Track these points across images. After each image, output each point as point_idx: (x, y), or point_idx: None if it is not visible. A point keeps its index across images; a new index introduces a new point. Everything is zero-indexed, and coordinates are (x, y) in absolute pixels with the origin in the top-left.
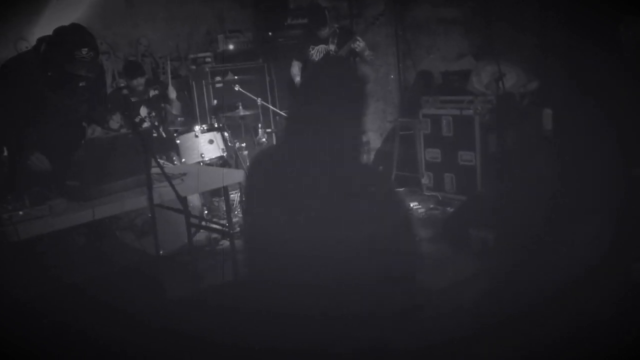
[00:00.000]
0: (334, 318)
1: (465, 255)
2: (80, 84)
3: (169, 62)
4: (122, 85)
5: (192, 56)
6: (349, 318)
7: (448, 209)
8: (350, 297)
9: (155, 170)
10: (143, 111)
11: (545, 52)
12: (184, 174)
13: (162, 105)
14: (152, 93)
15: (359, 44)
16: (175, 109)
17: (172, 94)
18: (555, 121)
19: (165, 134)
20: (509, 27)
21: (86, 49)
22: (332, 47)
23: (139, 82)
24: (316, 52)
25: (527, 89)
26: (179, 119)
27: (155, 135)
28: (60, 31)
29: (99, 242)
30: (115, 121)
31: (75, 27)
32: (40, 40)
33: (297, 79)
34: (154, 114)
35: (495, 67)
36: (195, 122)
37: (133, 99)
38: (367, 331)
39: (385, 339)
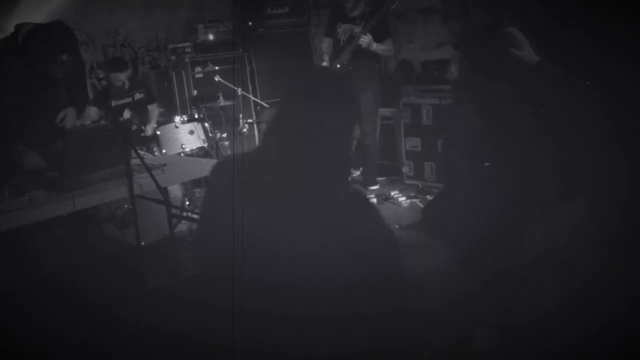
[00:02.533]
0: (314, 318)
1: (442, 242)
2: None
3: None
4: (101, 76)
5: (171, 46)
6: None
7: (428, 197)
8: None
9: (135, 161)
10: (127, 114)
11: None
12: (164, 165)
13: (148, 107)
14: (137, 96)
15: (364, 40)
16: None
17: (155, 112)
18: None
19: (145, 125)
20: (486, 15)
21: (66, 54)
22: (357, 29)
23: (119, 77)
24: (342, 31)
25: None
26: (159, 109)
27: (135, 127)
28: (41, 29)
29: (80, 233)
30: (90, 114)
31: (58, 27)
32: (18, 26)
33: (326, 57)
34: (138, 116)
35: None
36: (175, 113)
37: (116, 101)
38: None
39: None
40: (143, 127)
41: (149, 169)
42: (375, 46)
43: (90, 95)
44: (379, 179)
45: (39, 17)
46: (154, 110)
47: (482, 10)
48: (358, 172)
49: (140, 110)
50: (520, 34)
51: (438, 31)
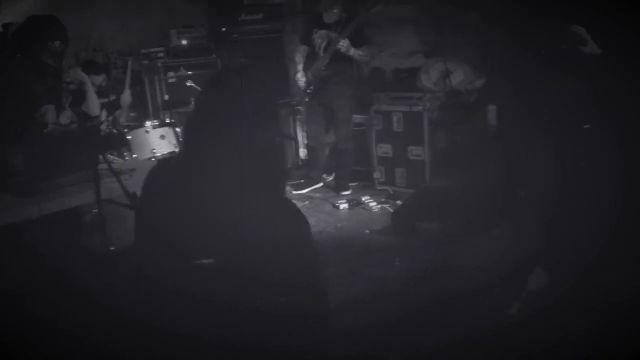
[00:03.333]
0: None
1: (411, 247)
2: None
3: (129, 67)
4: (69, 80)
5: (144, 51)
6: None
7: (398, 202)
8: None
9: (104, 165)
10: (102, 115)
11: (489, 51)
12: (133, 170)
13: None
14: (111, 97)
15: (342, 45)
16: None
17: (128, 99)
18: (500, 117)
19: (117, 129)
20: (456, 25)
21: (59, 42)
22: (333, 35)
23: (95, 80)
24: (318, 37)
25: (473, 86)
26: (130, 114)
27: (106, 131)
28: (34, 21)
29: (49, 238)
30: (66, 116)
31: (47, 18)
32: (5, 26)
33: (300, 67)
34: (110, 117)
35: (443, 64)
36: (147, 118)
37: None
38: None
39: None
40: (114, 130)
41: (116, 173)
42: (353, 51)
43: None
44: (351, 184)
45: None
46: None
47: (452, 20)
48: (331, 177)
49: (113, 111)
50: (584, 31)
51: (409, 40)
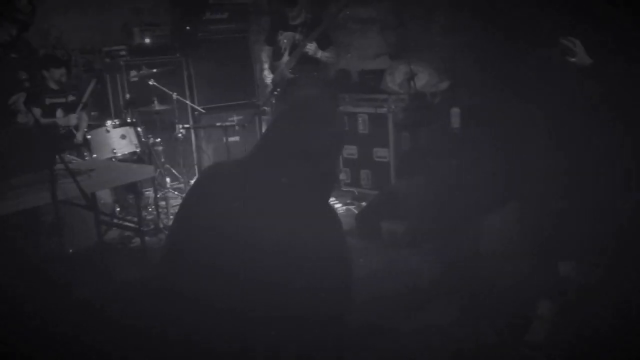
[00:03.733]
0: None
1: (376, 247)
2: (13, 56)
3: (90, 86)
4: (24, 77)
5: (106, 49)
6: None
7: (363, 203)
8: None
9: (61, 165)
10: (60, 114)
11: (454, 53)
12: (92, 170)
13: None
14: (70, 98)
15: (310, 47)
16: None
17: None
18: (463, 119)
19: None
20: (421, 27)
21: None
22: (299, 37)
23: (54, 74)
24: (284, 40)
25: (438, 89)
26: (92, 113)
27: (64, 133)
28: None
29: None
30: (24, 115)
31: None
32: None
33: (265, 66)
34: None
35: (407, 67)
36: (108, 117)
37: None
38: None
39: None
40: (75, 131)
41: (73, 174)
42: (320, 54)
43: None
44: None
45: None
46: (83, 116)
47: (417, 23)
48: None
49: (72, 111)
50: (575, 43)
51: (375, 42)
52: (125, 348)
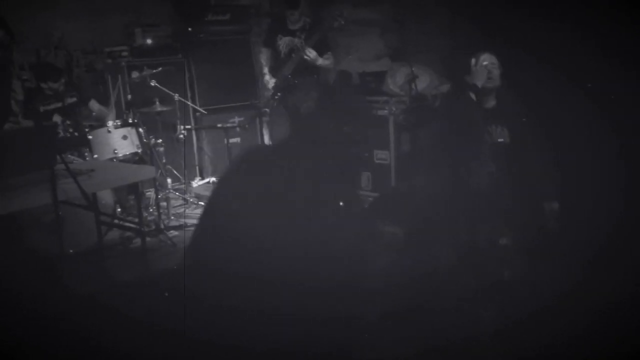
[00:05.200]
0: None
1: (375, 250)
2: None
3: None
4: (25, 77)
5: (107, 49)
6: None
7: (365, 206)
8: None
9: (61, 165)
10: (57, 118)
11: (455, 55)
12: (92, 170)
13: (78, 110)
14: (69, 100)
15: (310, 54)
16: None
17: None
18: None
19: (78, 131)
20: (422, 29)
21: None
22: (298, 41)
23: (52, 86)
24: (283, 44)
25: (438, 91)
26: (93, 114)
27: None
28: None
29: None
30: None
31: None
32: None
33: (265, 70)
34: (68, 122)
35: (409, 68)
36: (109, 118)
37: (45, 106)
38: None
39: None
40: (75, 133)
41: (73, 174)
42: (320, 61)
43: (21, 96)
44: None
45: None
46: (95, 106)
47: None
48: None
49: (72, 114)
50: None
51: (376, 44)
52: (125, 346)
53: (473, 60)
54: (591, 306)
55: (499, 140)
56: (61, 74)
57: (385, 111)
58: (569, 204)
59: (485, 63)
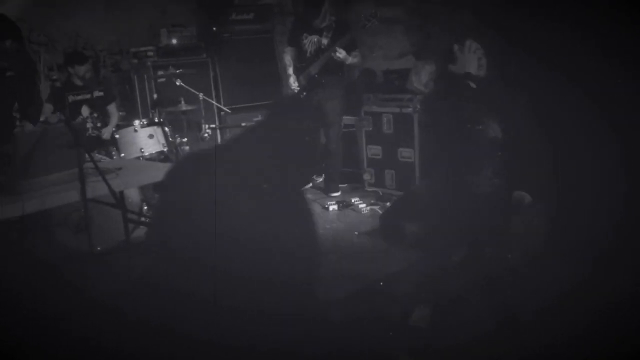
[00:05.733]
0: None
1: (398, 249)
2: (8, 74)
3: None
4: (55, 77)
5: (133, 50)
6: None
7: (387, 204)
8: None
9: (89, 164)
10: (85, 111)
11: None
12: (119, 169)
13: (107, 108)
14: (96, 94)
15: (339, 55)
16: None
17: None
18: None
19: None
20: (444, 27)
21: (10, 41)
22: (325, 40)
23: (78, 70)
24: (309, 43)
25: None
26: (120, 113)
27: (94, 135)
28: None
29: (34, 237)
30: (49, 109)
31: None
32: None
33: (290, 70)
34: (96, 114)
35: (433, 66)
36: (136, 117)
37: (74, 96)
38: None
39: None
40: (101, 128)
41: (101, 172)
42: (350, 59)
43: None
44: (340, 185)
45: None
46: (114, 111)
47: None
48: (321, 179)
49: (99, 109)
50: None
51: (400, 41)
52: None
53: (456, 47)
54: (591, 306)
55: (493, 135)
56: (86, 59)
57: (410, 109)
58: (568, 203)
59: (475, 50)
